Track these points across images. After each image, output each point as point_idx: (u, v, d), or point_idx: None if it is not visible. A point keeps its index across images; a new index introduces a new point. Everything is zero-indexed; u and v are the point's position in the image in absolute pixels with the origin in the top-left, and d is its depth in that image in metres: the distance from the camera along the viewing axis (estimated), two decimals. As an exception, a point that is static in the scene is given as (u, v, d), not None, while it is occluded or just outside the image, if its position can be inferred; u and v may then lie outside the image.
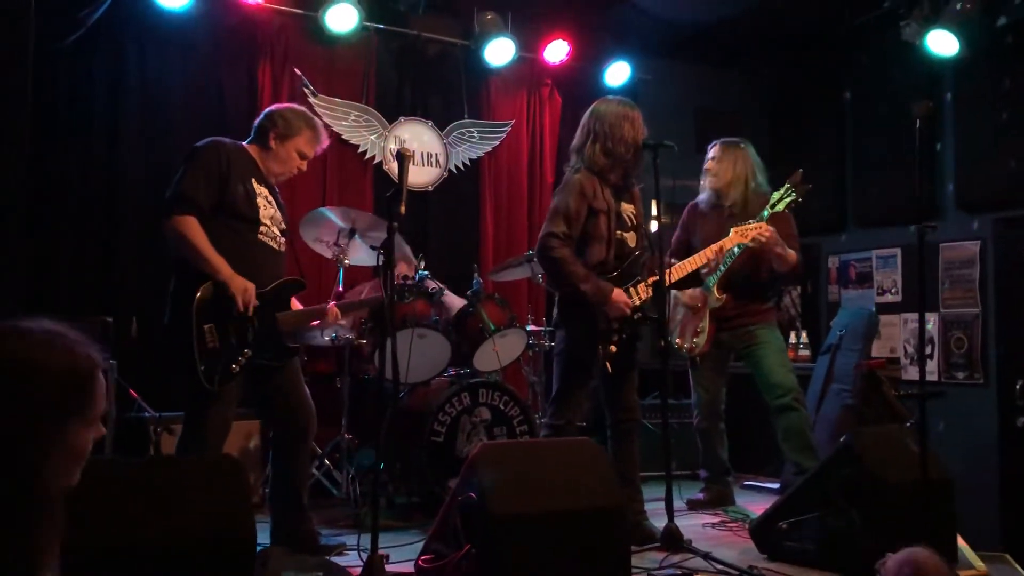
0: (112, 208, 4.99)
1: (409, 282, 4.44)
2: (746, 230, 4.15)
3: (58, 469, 1.35)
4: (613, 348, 3.70)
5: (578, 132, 3.90)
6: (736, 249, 4.25)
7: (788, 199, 4.25)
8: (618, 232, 3.78)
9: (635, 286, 3.77)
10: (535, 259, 4.48)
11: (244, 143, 3.54)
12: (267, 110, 3.62)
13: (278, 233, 3.51)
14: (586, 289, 3.63)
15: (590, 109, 3.89)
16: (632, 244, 3.84)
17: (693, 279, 4.26)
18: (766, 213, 4.26)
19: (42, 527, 1.33)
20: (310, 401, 3.55)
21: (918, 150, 3.22)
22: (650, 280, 3.79)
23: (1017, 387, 5.52)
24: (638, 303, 3.75)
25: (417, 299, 4.49)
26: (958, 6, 5.38)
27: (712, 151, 4.63)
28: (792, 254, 4.35)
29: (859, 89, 6.59)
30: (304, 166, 3.62)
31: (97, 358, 1.39)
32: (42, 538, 1.33)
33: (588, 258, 3.73)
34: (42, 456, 1.32)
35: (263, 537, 3.25)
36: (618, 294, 3.67)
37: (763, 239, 4.16)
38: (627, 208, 3.85)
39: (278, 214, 3.53)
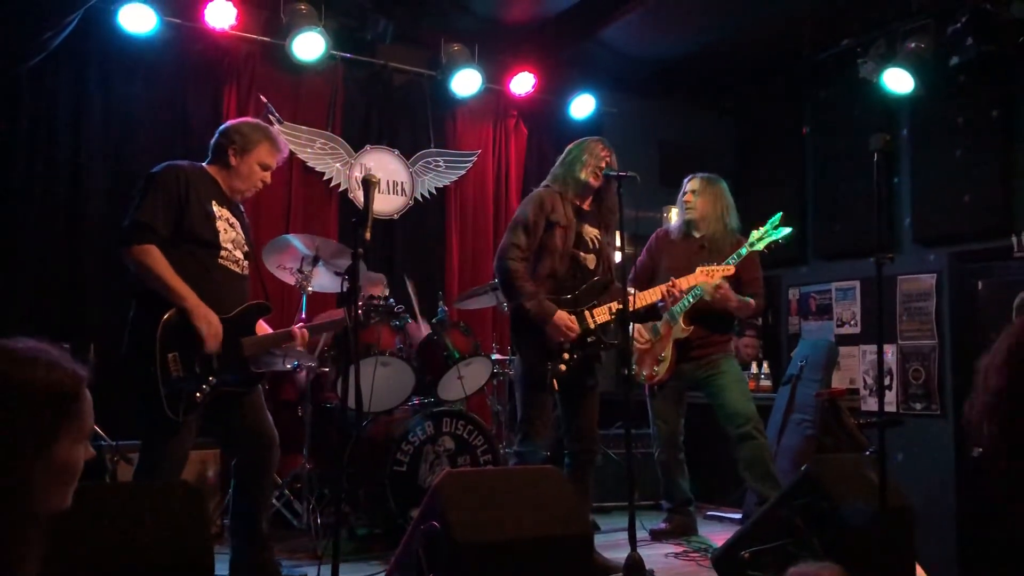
0: (73, 233, 4.93)
1: (379, 302, 4.42)
2: (712, 271, 4.18)
3: (48, 488, 1.33)
4: (562, 367, 3.72)
5: None
6: (698, 291, 4.29)
7: (769, 239, 4.32)
8: (578, 251, 3.82)
9: (591, 310, 3.79)
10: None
11: (203, 164, 3.50)
12: (221, 128, 3.54)
13: (240, 256, 3.45)
14: (529, 306, 3.67)
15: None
16: (591, 267, 3.87)
17: (651, 312, 4.29)
18: (744, 250, 4.31)
19: (25, 547, 1.30)
20: (273, 429, 3.49)
21: (876, 183, 3.28)
22: (614, 307, 3.80)
23: (973, 418, 5.60)
24: (592, 327, 3.77)
25: (382, 326, 4.47)
26: (913, 45, 5.54)
27: (690, 184, 4.66)
28: (750, 303, 4.41)
29: (819, 124, 6.73)
30: (268, 178, 3.57)
31: (82, 374, 1.38)
32: (24, 559, 1.30)
33: (539, 269, 3.78)
34: (30, 474, 1.30)
35: (222, 568, 3.19)
36: (559, 316, 3.68)
37: (719, 294, 4.25)
38: (591, 231, 3.89)
39: (240, 237, 3.48)
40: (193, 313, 3.18)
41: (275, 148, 3.54)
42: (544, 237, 3.77)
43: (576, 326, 3.72)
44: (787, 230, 4.33)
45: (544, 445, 3.83)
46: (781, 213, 4.41)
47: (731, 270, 4.22)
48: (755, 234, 4.37)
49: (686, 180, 4.70)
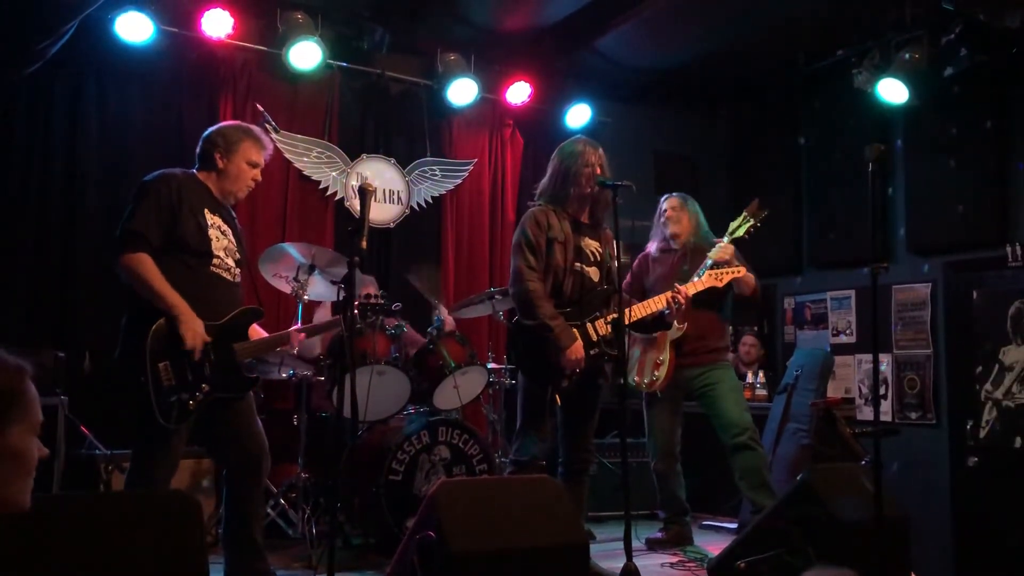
0: (68, 241, 4.93)
1: (376, 301, 4.38)
2: (721, 274, 4.28)
3: (3, 476, 1.38)
4: (565, 383, 3.71)
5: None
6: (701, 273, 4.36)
7: (747, 224, 4.47)
8: (578, 264, 3.81)
9: (594, 322, 3.78)
10: (502, 294, 4.49)
11: (194, 171, 3.49)
12: (204, 135, 3.54)
13: (232, 264, 3.45)
14: (555, 325, 3.64)
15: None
16: (595, 279, 3.86)
17: (658, 321, 4.28)
18: (727, 239, 4.44)
19: None
20: (263, 437, 3.47)
21: (871, 193, 3.29)
22: (609, 317, 3.80)
23: (967, 427, 5.62)
24: (595, 339, 3.77)
25: (378, 333, 4.46)
26: (907, 56, 5.57)
27: (668, 203, 4.76)
28: (752, 276, 4.48)
29: (813, 134, 6.75)
30: (258, 176, 3.55)
31: (25, 367, 1.44)
32: None
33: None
34: None
35: (216, 577, 3.17)
36: (576, 349, 3.67)
37: (730, 275, 4.34)
38: (591, 244, 3.88)
39: (232, 244, 3.47)
40: (180, 321, 3.17)
41: (259, 144, 3.53)
42: (545, 255, 3.77)
43: (584, 362, 3.70)
44: (763, 212, 4.48)
45: (540, 454, 3.82)
46: (757, 199, 4.53)
47: (742, 271, 4.34)
48: (733, 224, 4.50)
49: (663, 199, 4.80)
